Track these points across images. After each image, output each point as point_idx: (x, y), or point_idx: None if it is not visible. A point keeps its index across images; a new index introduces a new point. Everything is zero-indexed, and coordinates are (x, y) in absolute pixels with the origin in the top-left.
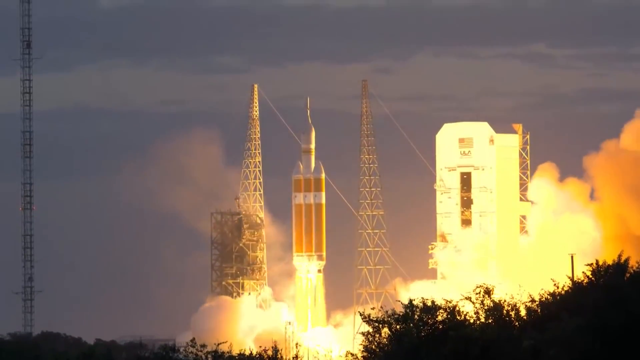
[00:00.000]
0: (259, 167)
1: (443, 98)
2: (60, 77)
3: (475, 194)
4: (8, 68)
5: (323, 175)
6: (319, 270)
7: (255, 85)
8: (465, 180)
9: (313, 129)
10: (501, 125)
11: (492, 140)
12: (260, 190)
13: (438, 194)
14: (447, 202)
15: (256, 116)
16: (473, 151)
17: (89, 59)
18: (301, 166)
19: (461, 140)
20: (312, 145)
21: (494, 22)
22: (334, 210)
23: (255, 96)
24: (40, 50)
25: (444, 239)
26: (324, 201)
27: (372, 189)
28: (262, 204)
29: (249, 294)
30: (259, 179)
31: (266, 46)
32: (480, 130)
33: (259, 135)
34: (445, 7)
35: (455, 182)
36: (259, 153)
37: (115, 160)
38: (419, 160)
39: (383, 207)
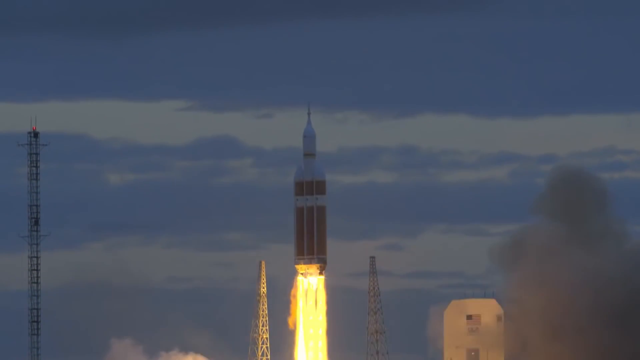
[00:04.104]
0: (266, 344)
1: (451, 275)
2: (68, 254)
3: None
4: (16, 245)
5: (325, 178)
6: (320, 273)
7: (263, 262)
8: (473, 358)
9: (315, 134)
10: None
11: (499, 317)
12: None
13: None
14: None
15: (264, 293)
16: (481, 328)
17: (97, 236)
18: (303, 169)
19: (469, 317)
20: (315, 150)
21: (501, 199)
22: None
23: (263, 273)
24: (48, 228)
25: None
26: (326, 204)
27: None
28: None
29: None
30: (267, 356)
31: (275, 222)
32: (488, 307)
33: (266, 312)
34: (453, 183)
35: None
36: (266, 330)
37: (123, 337)
38: (426, 337)
39: None
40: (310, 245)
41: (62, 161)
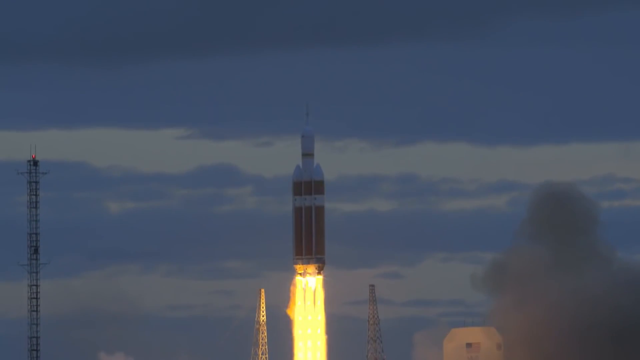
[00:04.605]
0: None
1: (451, 303)
2: (67, 282)
3: None
4: (15, 273)
5: (323, 178)
6: (319, 272)
7: (262, 290)
8: None
9: (314, 134)
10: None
11: (499, 346)
12: None
13: None
14: None
15: (263, 321)
16: (480, 356)
17: (97, 264)
18: (301, 169)
19: (468, 345)
20: (313, 150)
21: (501, 227)
22: None
23: (263, 301)
24: (48, 256)
25: None
26: (324, 204)
27: None
28: None
29: None
30: None
31: (275, 250)
32: (487, 335)
33: (266, 340)
34: (453, 212)
35: None
36: (266, 358)
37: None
38: None
39: None
40: (309, 245)
41: (62, 189)
